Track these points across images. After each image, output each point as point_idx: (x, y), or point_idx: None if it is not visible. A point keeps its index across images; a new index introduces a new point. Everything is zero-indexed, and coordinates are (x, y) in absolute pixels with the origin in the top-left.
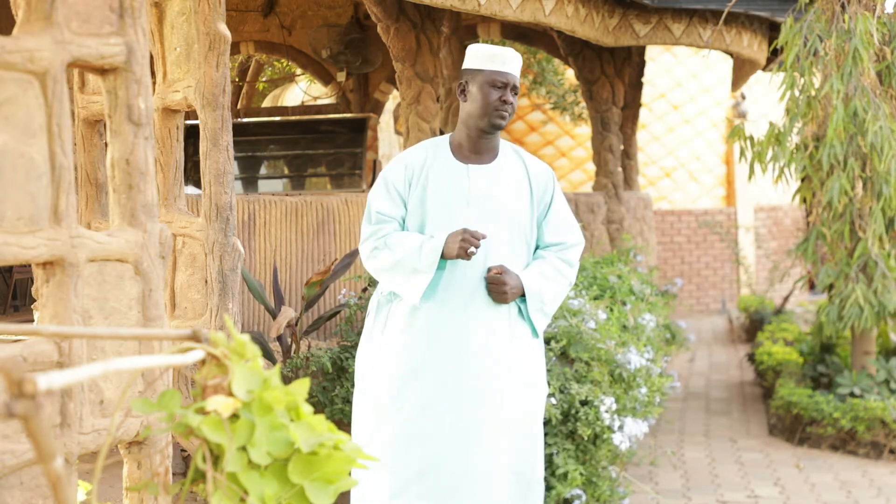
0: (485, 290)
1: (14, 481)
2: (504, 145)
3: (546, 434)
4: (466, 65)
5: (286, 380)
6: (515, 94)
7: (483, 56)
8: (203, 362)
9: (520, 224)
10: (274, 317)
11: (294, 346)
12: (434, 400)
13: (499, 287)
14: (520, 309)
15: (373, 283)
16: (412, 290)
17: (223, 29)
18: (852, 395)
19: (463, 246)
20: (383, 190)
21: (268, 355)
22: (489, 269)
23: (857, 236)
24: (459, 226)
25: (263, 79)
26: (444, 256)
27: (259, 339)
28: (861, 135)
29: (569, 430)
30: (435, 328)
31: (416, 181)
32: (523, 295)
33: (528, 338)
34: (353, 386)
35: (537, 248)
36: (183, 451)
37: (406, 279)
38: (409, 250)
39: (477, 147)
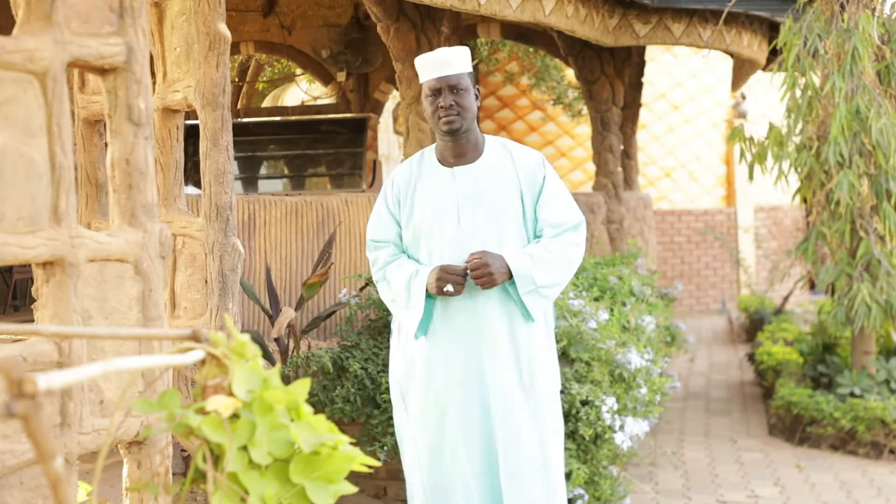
0: (486, 297)
1: (14, 481)
2: (490, 141)
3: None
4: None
5: (286, 380)
6: (457, 91)
7: (419, 69)
8: (203, 362)
9: (511, 218)
10: (270, 317)
11: (294, 346)
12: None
13: (481, 271)
14: (525, 307)
15: (371, 282)
16: (409, 323)
17: (223, 29)
18: (852, 395)
19: (439, 285)
20: (376, 214)
21: (266, 356)
22: (470, 257)
23: (858, 236)
24: (450, 230)
25: (263, 79)
26: (430, 292)
27: (258, 340)
28: (865, 132)
29: (570, 430)
30: (441, 338)
31: (404, 197)
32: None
33: (535, 338)
34: (353, 386)
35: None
36: (183, 451)
37: (403, 313)
38: (401, 288)
39: (456, 150)
